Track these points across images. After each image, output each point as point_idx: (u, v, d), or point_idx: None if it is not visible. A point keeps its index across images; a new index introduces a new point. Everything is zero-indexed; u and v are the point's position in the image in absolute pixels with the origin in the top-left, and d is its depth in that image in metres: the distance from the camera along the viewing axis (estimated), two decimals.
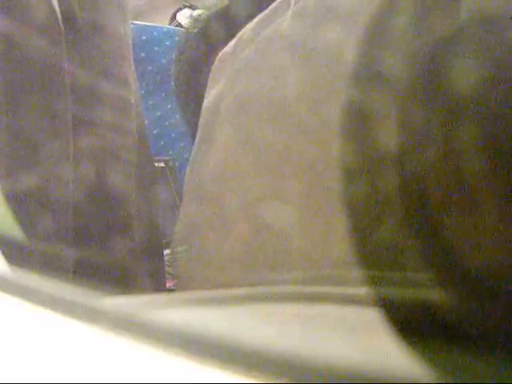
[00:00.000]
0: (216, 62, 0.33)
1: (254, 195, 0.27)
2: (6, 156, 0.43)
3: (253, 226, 0.26)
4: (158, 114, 1.04)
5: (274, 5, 0.29)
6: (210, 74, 0.33)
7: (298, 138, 0.26)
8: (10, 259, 0.29)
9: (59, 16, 0.44)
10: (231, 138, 0.29)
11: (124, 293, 0.24)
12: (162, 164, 0.96)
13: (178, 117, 1.08)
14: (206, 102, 0.32)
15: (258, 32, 0.29)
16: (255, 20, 0.30)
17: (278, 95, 0.27)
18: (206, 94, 0.32)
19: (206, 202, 0.30)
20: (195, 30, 0.48)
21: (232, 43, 0.31)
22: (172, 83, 0.54)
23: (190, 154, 0.33)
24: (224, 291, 0.24)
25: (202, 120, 0.32)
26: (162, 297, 0.34)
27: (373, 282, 0.16)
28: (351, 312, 0.19)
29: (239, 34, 0.31)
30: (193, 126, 0.35)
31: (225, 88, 0.30)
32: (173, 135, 1.06)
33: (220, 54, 0.32)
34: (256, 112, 0.28)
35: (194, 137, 0.33)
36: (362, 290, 0.16)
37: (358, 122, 0.16)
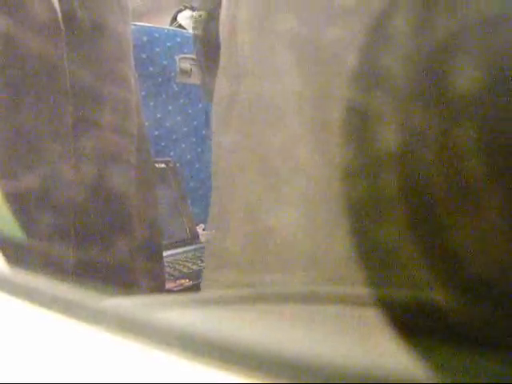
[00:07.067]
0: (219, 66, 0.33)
1: (255, 196, 0.27)
2: (7, 156, 0.43)
3: (254, 227, 0.26)
4: (159, 115, 1.04)
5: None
6: (217, 75, 0.33)
7: (299, 138, 0.26)
8: (9, 259, 0.29)
9: (60, 16, 0.44)
10: (235, 140, 0.29)
11: (124, 293, 0.24)
12: (163, 165, 0.96)
13: (178, 118, 1.08)
14: (215, 98, 0.32)
15: (256, 32, 0.29)
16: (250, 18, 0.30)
17: (280, 96, 0.27)
18: (216, 88, 0.32)
19: (213, 199, 0.30)
20: (198, 32, 0.48)
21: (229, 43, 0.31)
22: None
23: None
24: (224, 291, 0.24)
25: (214, 115, 0.32)
26: (162, 297, 0.34)
27: (374, 282, 0.16)
28: (352, 312, 0.19)
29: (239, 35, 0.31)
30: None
31: (232, 91, 0.30)
32: (174, 137, 1.06)
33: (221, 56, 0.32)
34: (259, 115, 0.28)
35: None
36: (363, 290, 0.16)
37: (359, 122, 0.16)
